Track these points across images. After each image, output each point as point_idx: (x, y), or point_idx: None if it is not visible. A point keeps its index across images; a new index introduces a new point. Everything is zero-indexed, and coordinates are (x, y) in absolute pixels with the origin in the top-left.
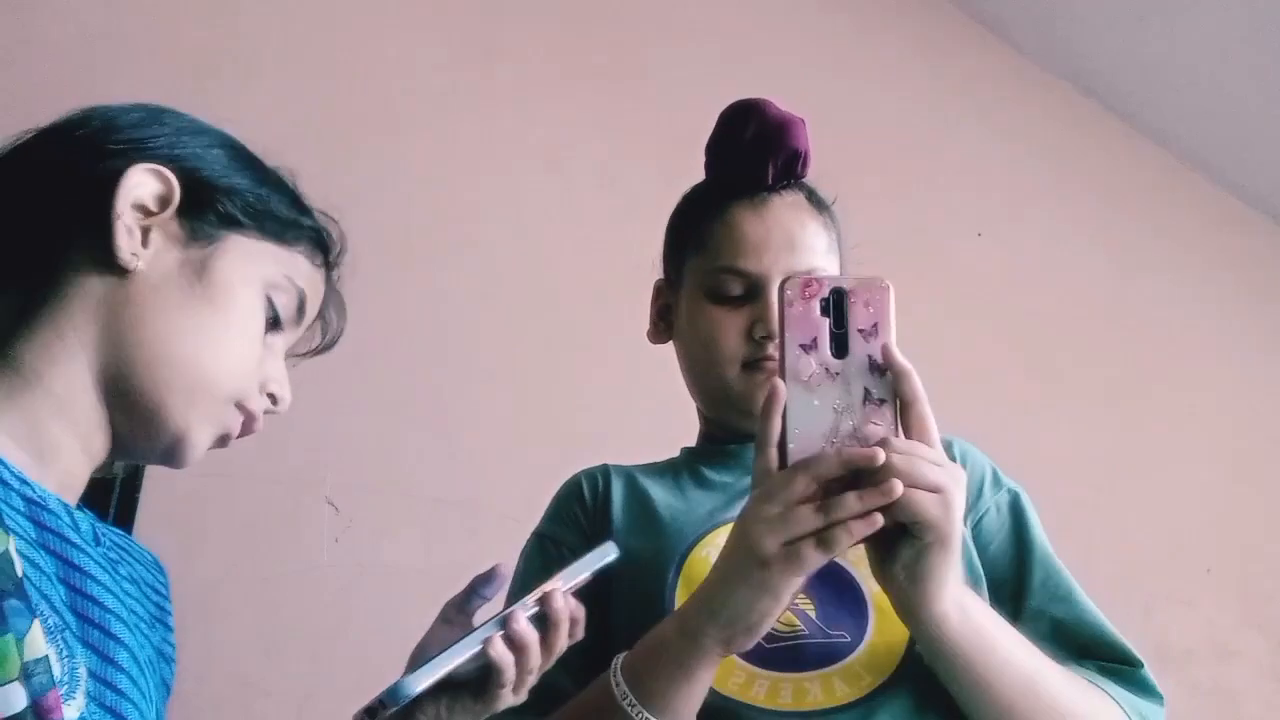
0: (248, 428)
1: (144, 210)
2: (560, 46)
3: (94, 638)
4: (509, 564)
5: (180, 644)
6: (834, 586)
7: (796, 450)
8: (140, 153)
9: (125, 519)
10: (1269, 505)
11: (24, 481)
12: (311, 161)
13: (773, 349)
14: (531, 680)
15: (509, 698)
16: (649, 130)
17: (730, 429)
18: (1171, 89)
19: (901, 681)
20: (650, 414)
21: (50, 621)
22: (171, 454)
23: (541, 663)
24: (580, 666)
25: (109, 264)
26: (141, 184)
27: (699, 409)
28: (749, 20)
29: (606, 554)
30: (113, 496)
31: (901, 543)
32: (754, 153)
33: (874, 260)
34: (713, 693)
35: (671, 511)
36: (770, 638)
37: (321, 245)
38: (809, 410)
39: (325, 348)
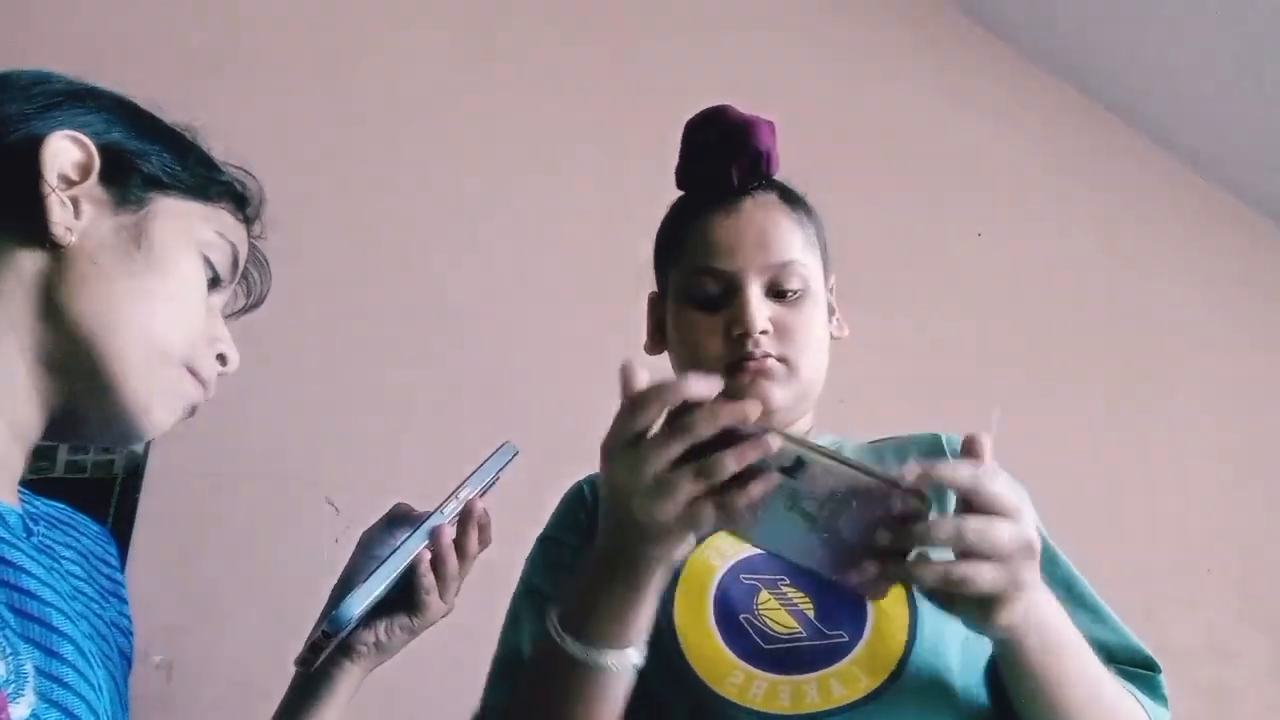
0: (205, 393)
1: (67, 180)
2: (560, 46)
3: (35, 633)
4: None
5: (180, 644)
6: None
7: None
8: (46, 120)
9: (125, 519)
10: (1269, 505)
11: None
12: (311, 162)
13: (751, 345)
14: (457, 586)
15: (440, 607)
16: (648, 130)
17: None
18: (1171, 89)
19: (900, 684)
20: None
21: None
22: (131, 430)
23: (462, 568)
24: None
25: (37, 239)
26: (61, 152)
27: None
28: (749, 20)
29: (506, 454)
30: (112, 497)
31: (964, 607)
32: (718, 158)
33: (875, 260)
34: (710, 694)
35: None
36: (767, 638)
37: (240, 199)
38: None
39: (252, 306)
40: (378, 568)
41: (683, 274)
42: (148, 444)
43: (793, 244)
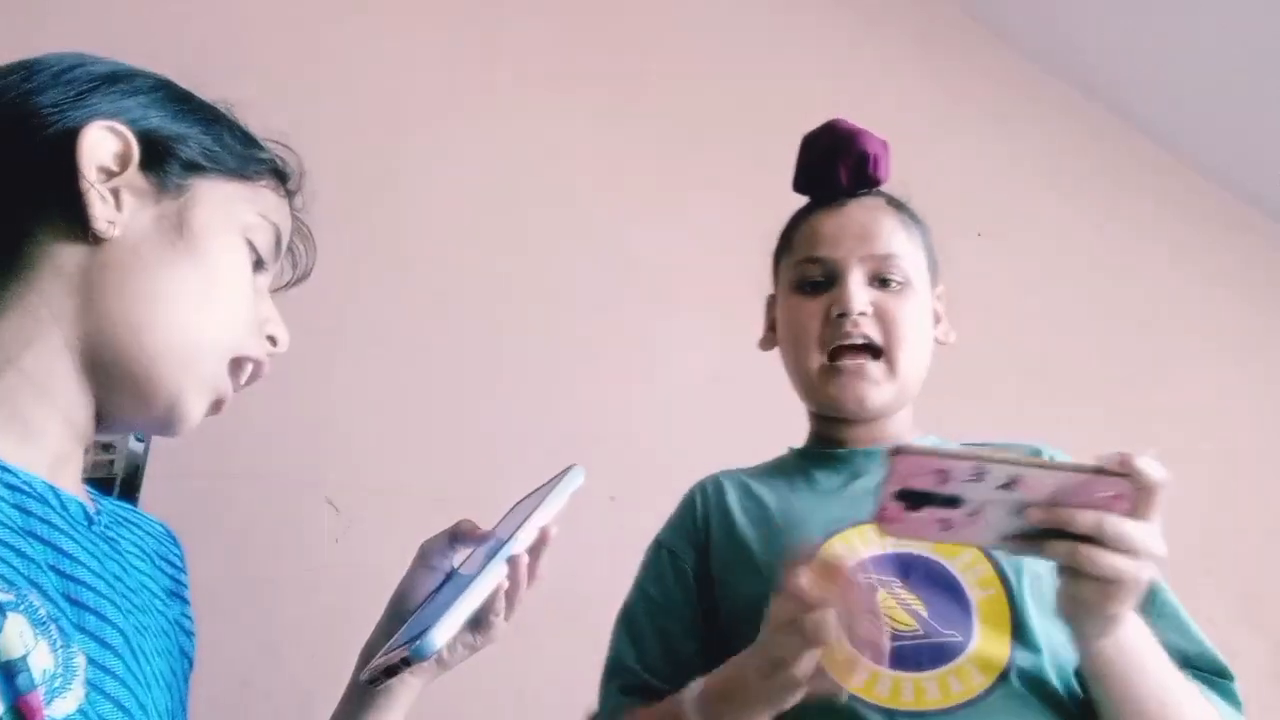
0: (256, 374)
1: (107, 172)
2: (560, 46)
3: (90, 624)
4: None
5: None
6: (942, 591)
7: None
8: (81, 109)
9: None
10: (1268, 505)
11: (5, 469)
12: (310, 162)
13: (849, 325)
14: (518, 609)
15: (505, 628)
16: (649, 130)
17: (832, 420)
18: (1171, 89)
19: (1009, 682)
20: (650, 414)
21: (40, 613)
22: (166, 423)
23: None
24: (696, 652)
25: (79, 233)
26: (99, 144)
27: (808, 409)
28: (749, 20)
29: (575, 479)
30: (112, 496)
31: (1086, 584)
32: (827, 160)
33: None
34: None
35: (787, 517)
36: (891, 636)
37: (281, 174)
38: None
39: (298, 280)
40: (459, 596)
41: (790, 264)
42: (147, 444)
43: (895, 239)
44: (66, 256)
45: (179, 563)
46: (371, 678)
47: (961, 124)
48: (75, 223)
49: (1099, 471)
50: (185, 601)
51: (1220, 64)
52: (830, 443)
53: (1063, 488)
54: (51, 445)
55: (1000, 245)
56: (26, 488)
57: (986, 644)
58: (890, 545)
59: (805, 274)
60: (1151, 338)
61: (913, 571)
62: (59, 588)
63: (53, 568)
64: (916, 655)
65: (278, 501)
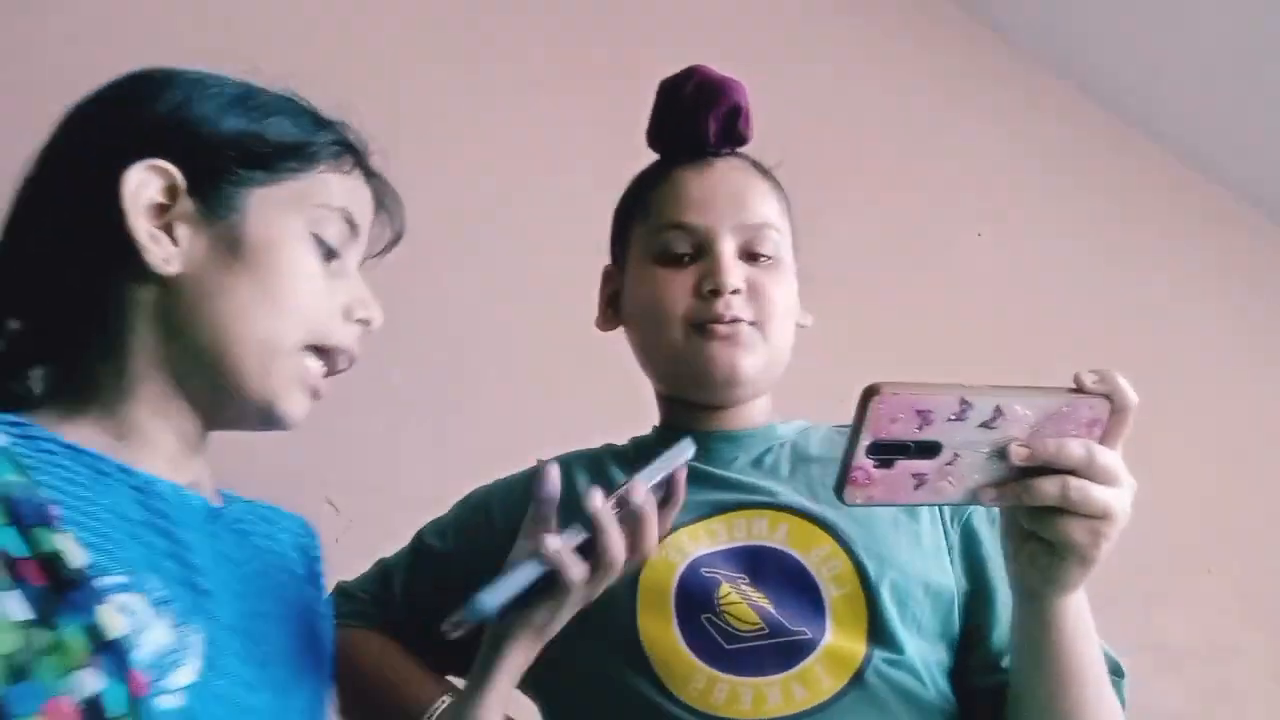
0: (348, 359)
1: (159, 209)
2: (560, 46)
3: (206, 607)
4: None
5: None
6: (793, 586)
7: None
8: (124, 144)
9: None
10: (1269, 506)
11: (125, 471)
12: None
13: (721, 306)
14: (610, 579)
15: (585, 592)
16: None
17: (687, 404)
18: (1171, 89)
19: (862, 685)
20: (649, 413)
21: (160, 594)
22: (270, 425)
23: (629, 557)
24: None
25: (147, 274)
26: (144, 185)
27: (656, 390)
28: (749, 19)
29: (685, 450)
30: None
31: (1040, 547)
32: (693, 110)
33: (875, 259)
34: (670, 700)
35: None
36: (730, 638)
37: (343, 152)
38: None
39: (396, 238)
40: (523, 563)
41: (649, 230)
42: None
43: (768, 207)
44: (145, 295)
45: (315, 553)
46: (441, 629)
47: (961, 124)
48: (140, 264)
49: (1079, 392)
50: (319, 589)
51: (1220, 63)
52: (681, 427)
53: (1043, 418)
54: (168, 452)
55: (1000, 245)
56: (148, 486)
57: (839, 643)
58: (737, 539)
59: (669, 243)
60: (1151, 337)
61: (762, 566)
62: (177, 575)
63: (171, 555)
64: (759, 658)
65: (278, 501)
